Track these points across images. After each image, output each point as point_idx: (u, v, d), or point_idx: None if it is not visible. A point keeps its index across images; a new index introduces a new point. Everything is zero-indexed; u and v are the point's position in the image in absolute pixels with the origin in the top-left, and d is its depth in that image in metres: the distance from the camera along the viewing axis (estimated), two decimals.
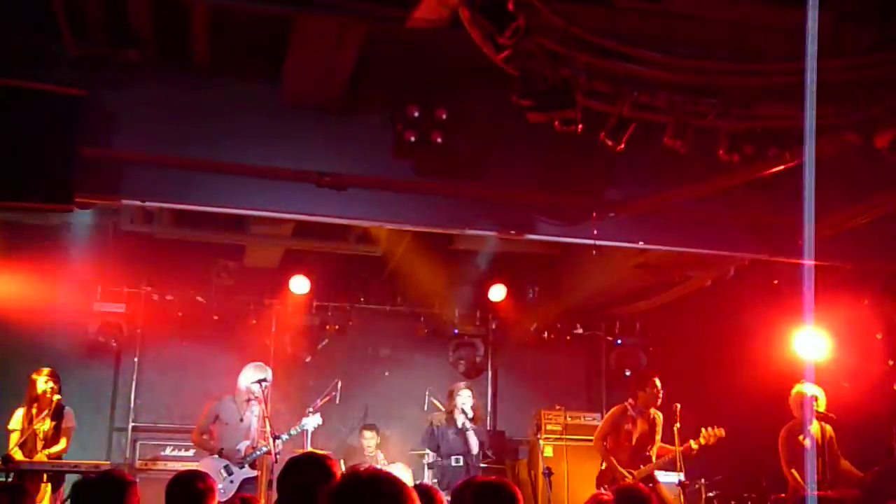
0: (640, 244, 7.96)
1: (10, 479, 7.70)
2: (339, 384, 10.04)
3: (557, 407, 11.07)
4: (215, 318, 10.76)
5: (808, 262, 7.18)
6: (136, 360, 10.78)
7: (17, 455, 8.12)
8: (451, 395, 9.58)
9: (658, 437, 8.75)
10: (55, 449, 8.48)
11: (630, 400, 8.86)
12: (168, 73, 6.68)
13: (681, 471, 8.40)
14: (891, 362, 8.63)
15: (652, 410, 8.78)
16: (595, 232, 7.50)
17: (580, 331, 11.96)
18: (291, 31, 5.97)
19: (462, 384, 9.79)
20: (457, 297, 11.38)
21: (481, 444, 9.51)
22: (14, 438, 8.26)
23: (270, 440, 8.20)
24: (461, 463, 9.33)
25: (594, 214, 7.50)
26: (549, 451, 10.70)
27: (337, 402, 10.08)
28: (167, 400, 10.77)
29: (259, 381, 8.63)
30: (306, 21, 5.75)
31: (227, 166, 6.88)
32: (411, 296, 11.28)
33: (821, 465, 7.75)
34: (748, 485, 9.51)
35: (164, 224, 9.25)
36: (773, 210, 7.40)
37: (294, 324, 11.13)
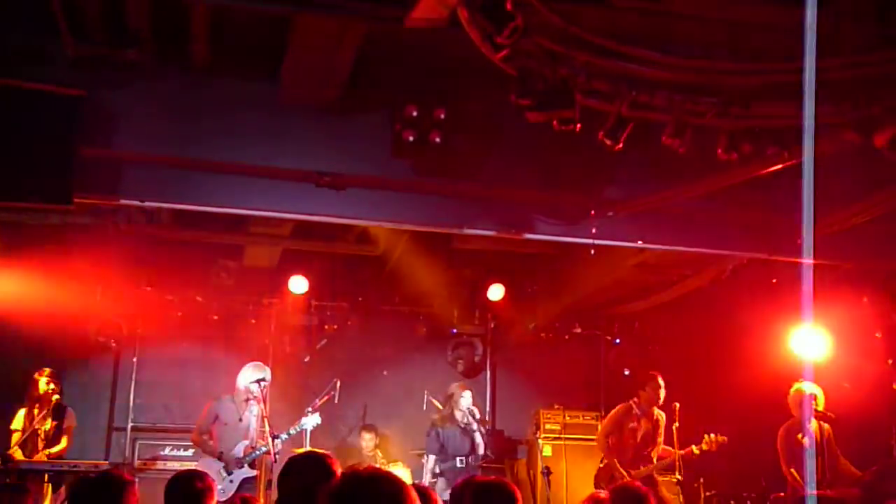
0: (639, 243, 7.96)
1: (8, 480, 7.70)
2: (338, 383, 10.04)
3: (556, 406, 11.09)
4: (214, 317, 10.77)
5: (807, 260, 7.19)
6: (135, 359, 10.76)
7: (18, 455, 8.13)
8: (453, 398, 9.46)
9: (661, 438, 8.74)
10: (56, 449, 8.50)
11: (635, 398, 8.87)
12: (167, 72, 6.68)
13: (679, 471, 8.41)
14: (890, 361, 8.63)
15: (655, 410, 8.79)
16: (594, 231, 7.50)
17: (579, 330, 11.97)
18: (291, 31, 5.97)
19: (457, 385, 9.66)
20: (456, 296, 11.38)
21: (485, 446, 9.47)
22: (15, 438, 8.27)
23: (269, 440, 8.20)
24: (464, 464, 9.30)
25: (593, 214, 7.51)
26: (547, 451, 10.71)
27: (336, 401, 10.07)
28: (166, 400, 10.76)
29: (258, 381, 8.63)
30: (305, 21, 5.75)
31: (226, 166, 6.88)
32: (410, 295, 11.28)
33: (820, 465, 7.76)
34: (747, 484, 9.52)
35: (164, 224, 9.25)
36: (771, 209, 7.40)
37: (293, 323, 11.13)
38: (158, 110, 6.69)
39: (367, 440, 10.54)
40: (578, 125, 5.57)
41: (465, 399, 9.37)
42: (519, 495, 3.97)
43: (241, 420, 8.82)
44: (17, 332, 9.41)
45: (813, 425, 7.76)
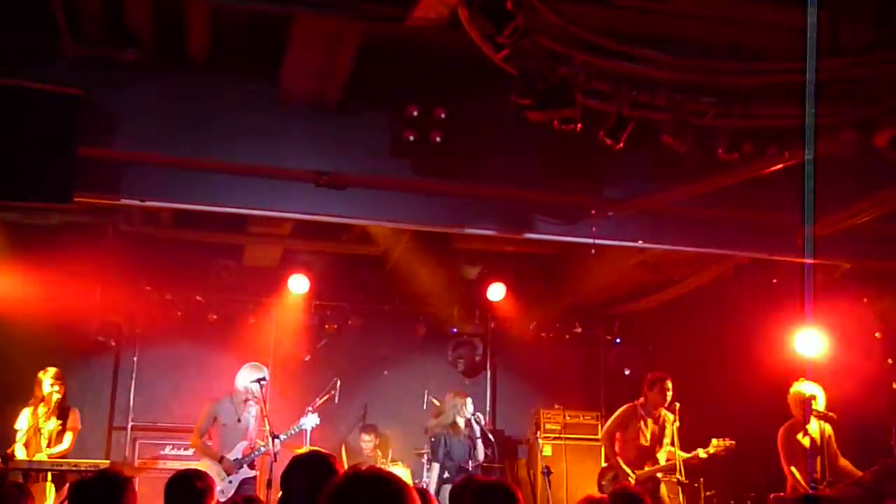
0: (640, 243, 7.95)
1: (9, 479, 7.70)
2: (339, 383, 10.03)
3: (556, 406, 11.09)
4: (214, 317, 10.76)
5: (808, 260, 7.23)
6: (135, 359, 10.76)
7: (20, 453, 8.14)
8: (454, 406, 9.17)
9: (667, 439, 8.68)
10: (58, 449, 8.51)
11: (640, 399, 8.86)
12: (167, 72, 6.66)
13: (680, 472, 8.40)
14: (890, 361, 8.64)
15: (661, 411, 8.76)
16: (594, 231, 7.50)
17: (579, 330, 11.95)
18: (290, 31, 5.96)
19: (452, 394, 9.38)
20: (456, 296, 11.37)
21: (493, 451, 9.36)
22: (19, 437, 8.28)
23: (269, 439, 8.19)
24: (469, 471, 9.22)
25: (593, 213, 7.51)
26: (548, 451, 10.72)
27: (336, 401, 10.06)
28: (166, 399, 10.75)
29: (258, 381, 8.61)
30: (306, 20, 5.74)
31: (225, 166, 6.88)
32: (410, 295, 11.28)
33: (820, 464, 7.75)
34: (747, 483, 9.51)
35: (164, 224, 9.25)
36: (772, 209, 7.40)
37: (293, 323, 11.12)
38: (158, 109, 6.67)
39: (367, 441, 10.53)
40: (579, 125, 5.57)
41: (469, 407, 9.22)
42: (520, 495, 3.97)
43: (239, 421, 8.81)
44: (17, 332, 9.42)
45: (813, 425, 7.76)
